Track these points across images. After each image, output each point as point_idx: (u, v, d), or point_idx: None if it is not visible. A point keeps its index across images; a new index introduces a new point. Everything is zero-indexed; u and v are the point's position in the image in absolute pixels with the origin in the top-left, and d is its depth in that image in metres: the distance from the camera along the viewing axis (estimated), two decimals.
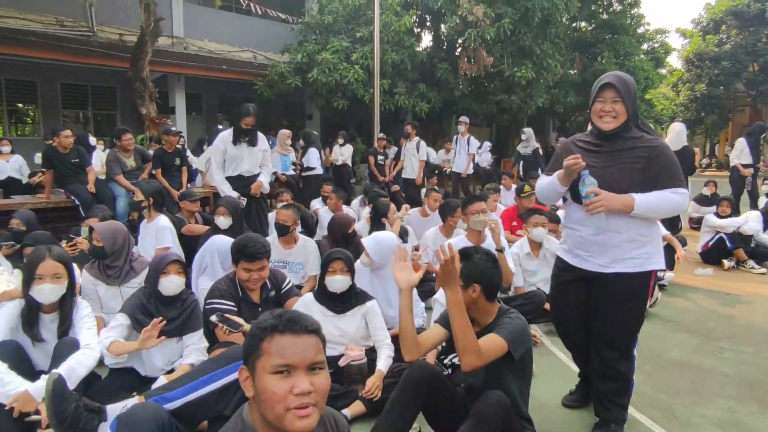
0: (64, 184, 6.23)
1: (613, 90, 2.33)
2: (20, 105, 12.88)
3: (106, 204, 6.06)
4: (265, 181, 5.03)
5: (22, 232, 4.16)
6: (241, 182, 4.91)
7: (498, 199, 6.46)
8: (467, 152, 9.93)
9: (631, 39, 17.74)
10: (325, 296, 2.92)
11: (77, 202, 6.10)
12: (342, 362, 2.70)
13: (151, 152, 7.15)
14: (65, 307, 2.61)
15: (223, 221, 4.27)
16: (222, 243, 3.46)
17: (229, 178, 4.94)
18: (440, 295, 3.11)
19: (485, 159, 12.79)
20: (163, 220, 4.17)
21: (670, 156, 2.35)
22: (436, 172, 11.98)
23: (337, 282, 2.87)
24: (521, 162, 10.60)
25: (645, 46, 19.79)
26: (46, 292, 2.50)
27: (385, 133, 11.43)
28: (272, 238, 4.26)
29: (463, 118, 10.26)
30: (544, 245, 4.15)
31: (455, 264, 2.00)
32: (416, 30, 14.76)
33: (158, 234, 4.10)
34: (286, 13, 13.82)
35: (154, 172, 6.86)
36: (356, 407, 2.63)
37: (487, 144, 13.25)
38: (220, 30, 13.65)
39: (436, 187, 7.66)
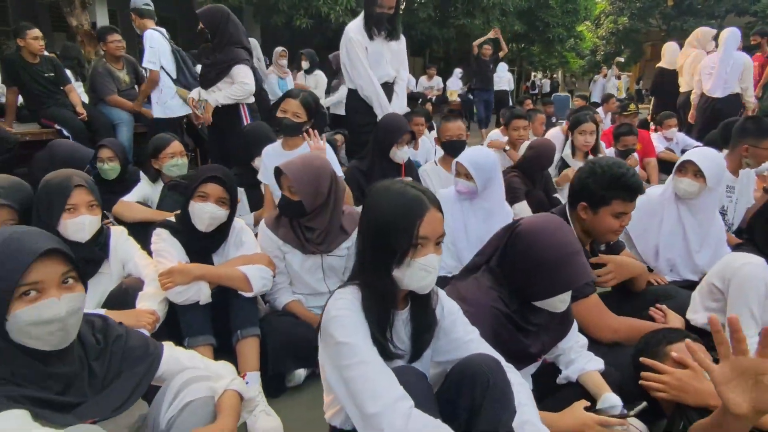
0: (38, 108, 4.43)
1: None
2: None
3: (104, 135, 4.44)
4: (402, 104, 3.72)
5: None
6: (385, 92, 3.57)
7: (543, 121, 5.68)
8: None
9: None
10: None
11: (66, 133, 4.39)
12: None
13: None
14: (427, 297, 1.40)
15: (406, 152, 3.12)
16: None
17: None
18: None
19: (457, 86, 12.06)
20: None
21: None
22: (420, 100, 10.99)
23: None
24: None
25: None
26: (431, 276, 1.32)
27: None
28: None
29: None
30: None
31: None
32: None
33: None
34: None
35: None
36: None
37: (458, 71, 12.44)
38: None
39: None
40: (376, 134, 3.12)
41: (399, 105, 3.72)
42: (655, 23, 22.44)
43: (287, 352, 1.97)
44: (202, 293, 1.88)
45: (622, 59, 15.17)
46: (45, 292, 1.09)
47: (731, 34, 5.41)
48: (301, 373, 2.08)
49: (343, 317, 1.27)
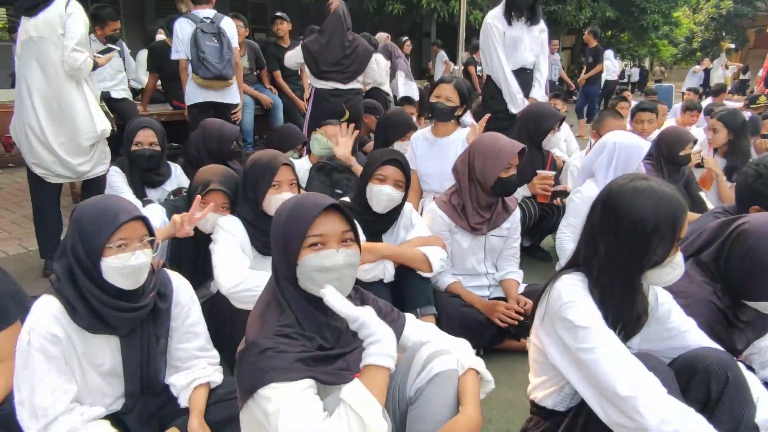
0: (172, 90, 4.75)
1: None
2: None
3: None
4: (542, 92, 3.65)
5: None
6: (522, 78, 3.54)
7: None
8: None
9: None
10: None
11: None
12: None
13: None
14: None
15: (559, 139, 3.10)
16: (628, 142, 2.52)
17: None
18: None
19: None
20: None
21: None
22: None
23: None
24: None
25: None
26: None
27: (438, 46, 10.14)
28: None
29: None
30: None
31: None
32: None
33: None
34: None
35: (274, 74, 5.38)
36: None
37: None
38: None
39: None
40: (524, 123, 3.09)
41: (539, 93, 3.66)
42: (763, 6, 20.71)
43: (459, 331, 2.02)
44: (387, 271, 1.97)
45: (732, 46, 14.03)
46: (327, 244, 1.21)
47: None
48: None
49: (579, 303, 1.30)
